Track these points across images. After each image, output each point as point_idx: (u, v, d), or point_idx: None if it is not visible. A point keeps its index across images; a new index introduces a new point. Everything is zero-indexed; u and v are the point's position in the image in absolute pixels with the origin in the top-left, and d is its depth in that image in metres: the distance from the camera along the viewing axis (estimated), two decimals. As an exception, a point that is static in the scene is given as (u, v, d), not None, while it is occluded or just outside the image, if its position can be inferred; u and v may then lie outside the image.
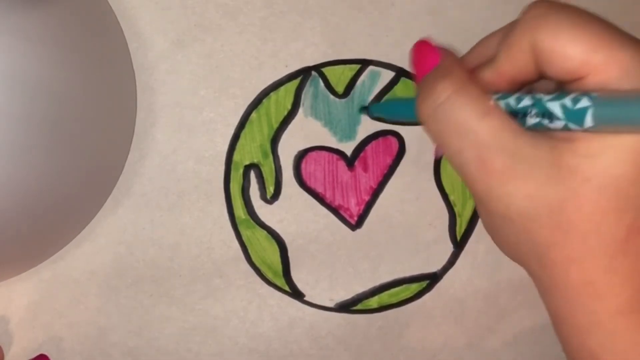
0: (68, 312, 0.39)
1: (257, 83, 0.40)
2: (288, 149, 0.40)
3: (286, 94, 0.40)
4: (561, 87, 0.22)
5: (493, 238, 0.24)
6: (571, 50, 0.21)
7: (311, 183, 0.40)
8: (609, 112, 0.20)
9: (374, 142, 0.40)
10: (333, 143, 0.40)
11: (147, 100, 0.39)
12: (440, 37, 0.40)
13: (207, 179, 0.39)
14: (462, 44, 0.40)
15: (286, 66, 0.40)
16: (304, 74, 0.40)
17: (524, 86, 0.24)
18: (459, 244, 0.40)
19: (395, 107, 0.32)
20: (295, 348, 0.40)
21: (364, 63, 0.40)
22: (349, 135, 0.40)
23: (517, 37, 0.22)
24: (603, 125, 0.20)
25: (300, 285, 0.40)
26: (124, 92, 0.38)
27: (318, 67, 0.40)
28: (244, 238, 0.40)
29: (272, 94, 0.40)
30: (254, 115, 0.40)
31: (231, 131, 0.40)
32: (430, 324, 0.40)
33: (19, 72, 0.31)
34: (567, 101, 0.21)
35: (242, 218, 0.40)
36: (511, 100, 0.23)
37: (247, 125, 0.40)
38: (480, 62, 0.25)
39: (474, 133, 0.22)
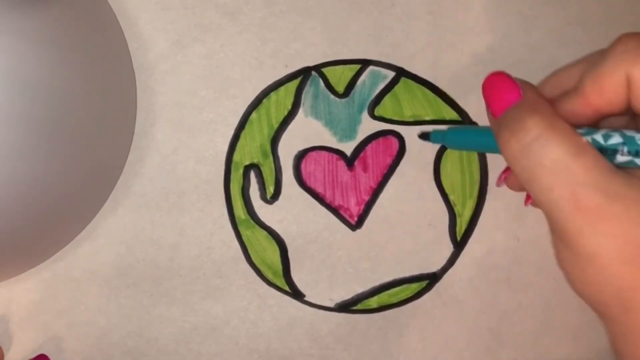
0: (68, 312, 0.39)
1: (257, 83, 0.40)
2: (288, 149, 0.40)
3: (286, 94, 0.40)
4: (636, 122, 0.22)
5: (569, 277, 0.24)
6: None
7: (311, 183, 0.40)
8: None
9: (374, 142, 0.40)
10: (333, 143, 0.40)
11: (147, 100, 0.39)
12: (440, 37, 0.40)
13: (207, 179, 0.39)
14: (462, 44, 0.40)
15: (286, 66, 0.40)
16: (304, 74, 0.40)
17: (605, 118, 0.23)
18: (459, 244, 0.40)
19: (461, 136, 0.31)
20: (295, 348, 0.40)
21: (364, 63, 0.40)
22: (349, 135, 0.40)
23: (610, 68, 0.22)
24: None
25: (300, 285, 0.40)
26: (124, 92, 0.38)
27: (318, 67, 0.40)
28: (244, 238, 0.40)
29: (272, 94, 0.40)
30: (254, 115, 0.40)
31: (231, 131, 0.40)
32: (430, 324, 0.40)
33: (19, 72, 0.31)
34: None
35: (242, 218, 0.40)
36: (598, 137, 0.22)
37: (247, 126, 0.40)
38: (557, 92, 0.24)
39: (568, 171, 0.21)
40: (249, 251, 0.40)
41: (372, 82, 0.40)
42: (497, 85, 0.25)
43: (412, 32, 0.40)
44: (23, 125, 0.32)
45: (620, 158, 0.22)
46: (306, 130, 0.40)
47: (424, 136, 0.37)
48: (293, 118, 0.40)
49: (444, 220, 0.40)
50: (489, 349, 0.41)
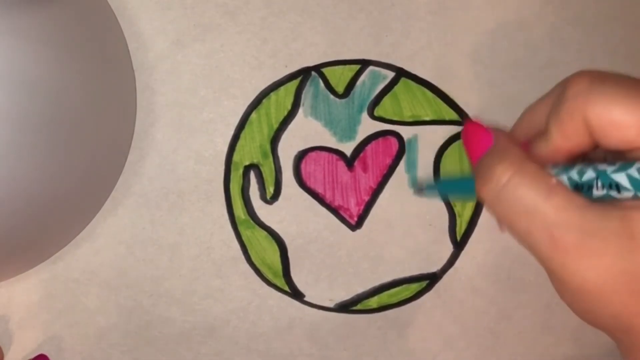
0: (68, 312, 0.39)
1: (257, 83, 0.40)
2: (288, 149, 0.40)
3: (286, 94, 0.40)
4: (619, 155, 0.22)
5: (570, 307, 0.24)
6: (626, 121, 0.21)
7: (311, 183, 0.40)
8: None
9: (373, 143, 0.40)
10: (333, 143, 0.40)
11: (147, 100, 0.39)
12: (440, 37, 0.40)
13: (207, 179, 0.39)
14: (462, 44, 0.40)
15: (286, 66, 0.40)
16: (303, 74, 0.40)
17: (581, 156, 0.24)
18: (459, 244, 0.40)
19: (452, 187, 0.32)
20: (295, 348, 0.40)
21: (364, 63, 0.40)
22: (348, 135, 0.40)
23: (568, 113, 0.22)
24: None
25: (300, 286, 0.40)
26: (124, 92, 0.38)
27: (318, 67, 0.40)
28: (244, 238, 0.40)
29: (272, 94, 0.40)
30: (253, 115, 0.40)
31: (231, 131, 0.40)
32: (430, 324, 0.40)
33: (19, 72, 0.31)
34: (634, 171, 0.21)
35: (242, 218, 0.40)
36: (573, 174, 0.22)
37: (247, 126, 0.40)
38: (529, 133, 0.25)
39: (541, 213, 0.22)
40: (249, 251, 0.40)
41: (371, 82, 0.40)
42: (470, 134, 0.25)
43: (412, 32, 0.40)
44: (23, 125, 0.32)
45: (597, 192, 0.22)
46: (306, 131, 0.40)
47: (418, 190, 0.38)
48: (293, 118, 0.40)
49: (444, 220, 0.40)
50: (489, 349, 0.41)
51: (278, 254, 0.40)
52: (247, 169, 0.40)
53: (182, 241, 0.39)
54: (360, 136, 0.40)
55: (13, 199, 0.33)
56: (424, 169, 0.40)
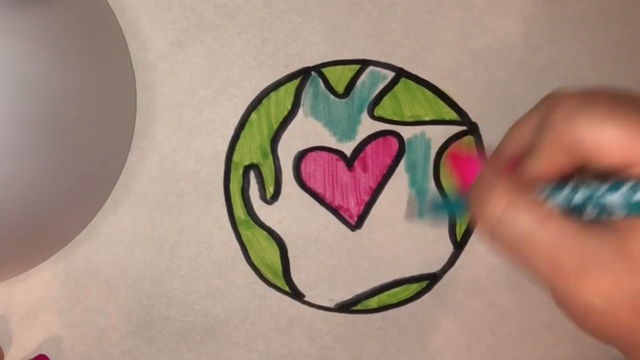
0: (68, 312, 0.39)
1: (257, 83, 0.40)
2: (288, 149, 0.40)
3: (286, 94, 0.40)
4: (608, 175, 0.22)
5: (580, 328, 0.24)
6: (613, 142, 0.21)
7: (311, 183, 0.40)
8: None
9: (373, 143, 0.40)
10: (333, 143, 0.40)
11: (147, 100, 0.39)
12: (440, 37, 0.40)
13: (207, 179, 0.39)
14: (462, 44, 0.40)
15: (286, 66, 0.40)
16: (303, 74, 0.40)
17: (571, 174, 0.24)
18: (459, 244, 0.40)
19: (443, 209, 0.32)
20: (295, 348, 0.40)
21: (364, 63, 0.40)
22: (348, 135, 0.40)
23: (554, 137, 0.22)
24: None
25: (300, 286, 0.40)
26: (124, 92, 0.38)
27: (318, 67, 0.40)
28: (244, 238, 0.40)
29: (272, 94, 0.40)
30: (253, 115, 0.40)
31: (231, 131, 0.40)
32: (430, 324, 0.40)
33: (19, 72, 0.31)
34: (625, 193, 0.21)
35: (241, 218, 0.40)
36: (565, 198, 0.22)
37: (247, 126, 0.40)
38: (517, 150, 0.25)
39: (538, 242, 0.22)
40: (249, 251, 0.40)
41: (371, 82, 0.40)
42: (457, 164, 0.25)
43: (412, 32, 0.40)
44: (23, 125, 0.32)
45: (589, 213, 0.22)
46: (306, 131, 0.40)
47: (411, 217, 0.39)
48: (293, 118, 0.40)
49: (443, 220, 0.40)
50: (489, 349, 0.41)
51: (278, 254, 0.40)
52: (247, 169, 0.40)
53: (182, 241, 0.39)
54: (360, 136, 0.40)
55: (13, 198, 0.33)
56: (424, 169, 0.40)
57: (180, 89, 0.39)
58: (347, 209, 0.40)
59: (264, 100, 0.40)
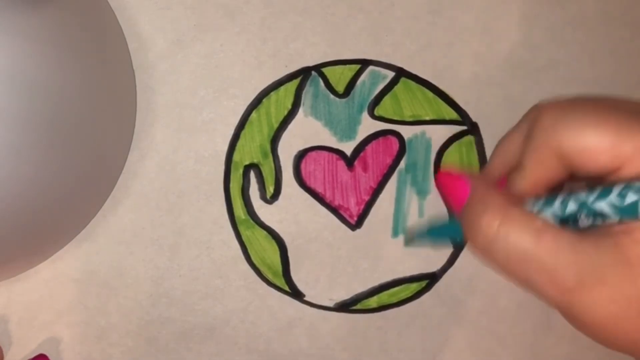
0: (68, 312, 0.39)
1: (257, 83, 0.40)
2: (288, 149, 0.40)
3: (286, 93, 0.40)
4: (598, 179, 0.22)
5: (591, 339, 0.24)
6: (599, 147, 0.21)
7: (311, 183, 0.40)
8: None
9: (374, 142, 0.40)
10: (333, 143, 0.40)
11: (147, 100, 0.39)
12: (440, 37, 0.40)
13: (207, 179, 0.39)
14: (462, 44, 0.40)
15: (286, 66, 0.40)
16: (303, 73, 0.40)
17: (561, 185, 0.24)
18: (459, 244, 0.40)
19: (440, 233, 0.32)
20: (295, 348, 0.40)
21: (364, 63, 0.40)
22: (349, 135, 0.40)
23: (540, 146, 0.22)
24: None
25: (300, 285, 0.40)
26: (124, 92, 0.38)
27: (318, 67, 0.40)
28: (244, 238, 0.40)
29: (272, 93, 0.40)
30: (253, 115, 0.40)
31: (231, 131, 0.40)
32: (430, 324, 0.40)
33: (19, 72, 0.31)
34: (614, 198, 0.21)
35: (242, 218, 0.40)
36: (557, 209, 0.22)
37: (247, 125, 0.40)
38: (506, 165, 0.25)
39: (535, 258, 0.21)
40: (249, 251, 0.40)
41: (371, 82, 0.40)
42: (444, 184, 0.25)
43: (412, 32, 0.40)
44: (23, 125, 0.32)
45: (583, 223, 0.22)
46: (306, 130, 0.40)
47: (410, 242, 0.39)
48: (293, 118, 0.40)
49: (444, 220, 0.40)
50: (489, 349, 0.41)
51: (278, 253, 0.40)
52: (247, 168, 0.40)
53: (182, 241, 0.39)
54: (361, 136, 0.40)
55: (13, 198, 0.33)
56: (425, 169, 0.40)
57: (180, 89, 0.39)
58: (347, 209, 0.40)
59: (264, 100, 0.40)
